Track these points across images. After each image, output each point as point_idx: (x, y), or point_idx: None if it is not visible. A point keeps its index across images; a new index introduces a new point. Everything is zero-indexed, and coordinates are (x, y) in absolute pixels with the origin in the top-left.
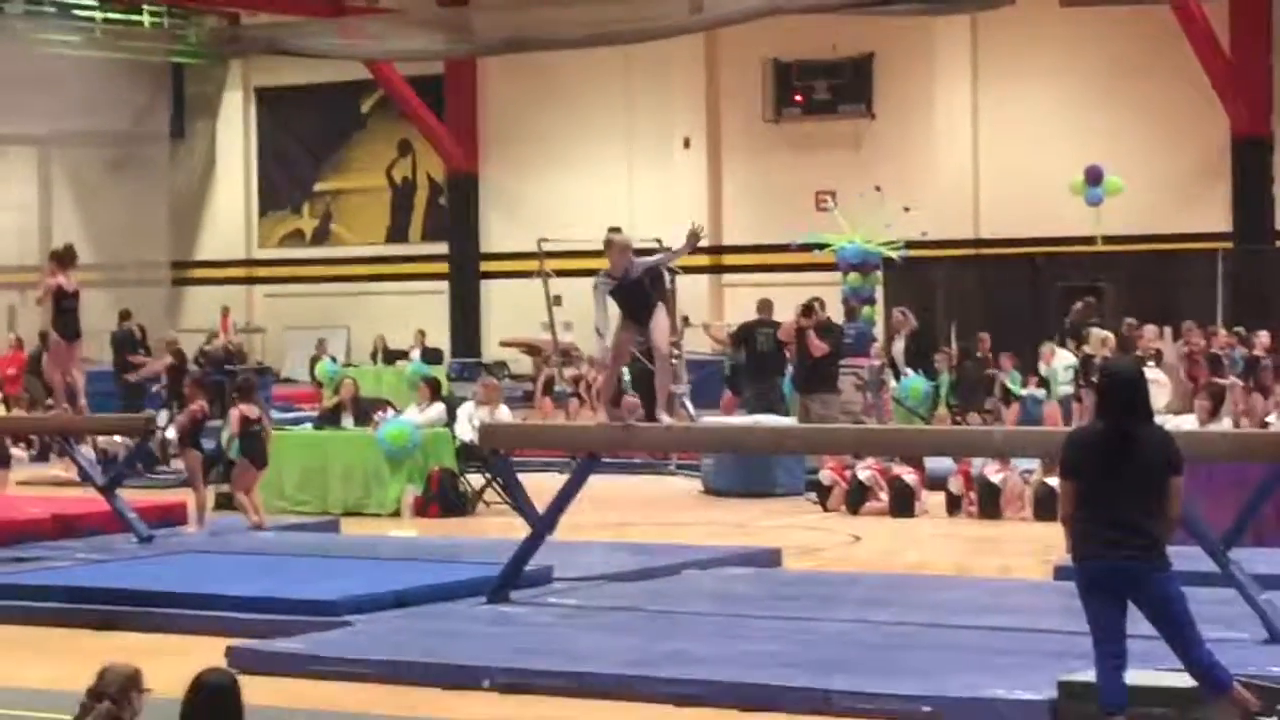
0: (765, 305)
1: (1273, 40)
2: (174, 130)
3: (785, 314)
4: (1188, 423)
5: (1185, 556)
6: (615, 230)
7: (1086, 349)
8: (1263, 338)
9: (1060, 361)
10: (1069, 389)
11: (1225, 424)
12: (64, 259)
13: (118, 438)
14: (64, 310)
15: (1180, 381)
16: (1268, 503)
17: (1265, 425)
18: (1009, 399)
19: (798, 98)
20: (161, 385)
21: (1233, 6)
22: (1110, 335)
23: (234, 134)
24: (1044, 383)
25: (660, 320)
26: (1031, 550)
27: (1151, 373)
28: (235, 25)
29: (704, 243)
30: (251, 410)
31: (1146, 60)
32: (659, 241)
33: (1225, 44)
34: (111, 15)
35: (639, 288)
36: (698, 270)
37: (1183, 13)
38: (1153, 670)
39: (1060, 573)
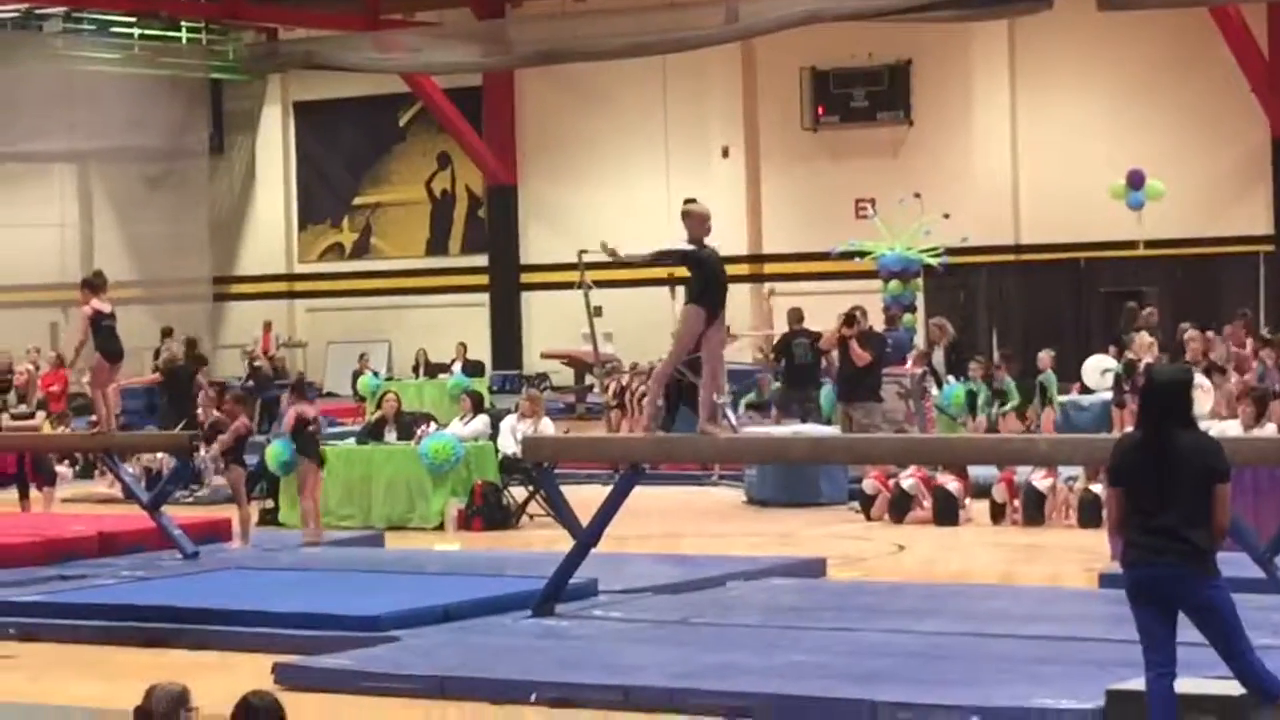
0: (797, 315)
1: None
2: (213, 146)
3: (826, 322)
4: (1232, 428)
5: (1231, 563)
6: (691, 201)
7: (1129, 354)
8: None
9: (1097, 365)
10: (1107, 395)
11: (1270, 429)
12: (95, 285)
13: (160, 455)
14: (104, 330)
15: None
16: None
17: None
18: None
19: (835, 105)
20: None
21: (1271, 8)
22: (1154, 340)
23: (273, 149)
24: (1042, 390)
25: (718, 331)
26: (1077, 558)
27: (1197, 378)
28: (273, 40)
29: (744, 251)
30: (308, 410)
31: (1185, 63)
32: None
33: (1264, 45)
34: (149, 32)
35: (719, 260)
36: (739, 279)
37: (1220, 15)
38: (1202, 678)
39: (1106, 580)
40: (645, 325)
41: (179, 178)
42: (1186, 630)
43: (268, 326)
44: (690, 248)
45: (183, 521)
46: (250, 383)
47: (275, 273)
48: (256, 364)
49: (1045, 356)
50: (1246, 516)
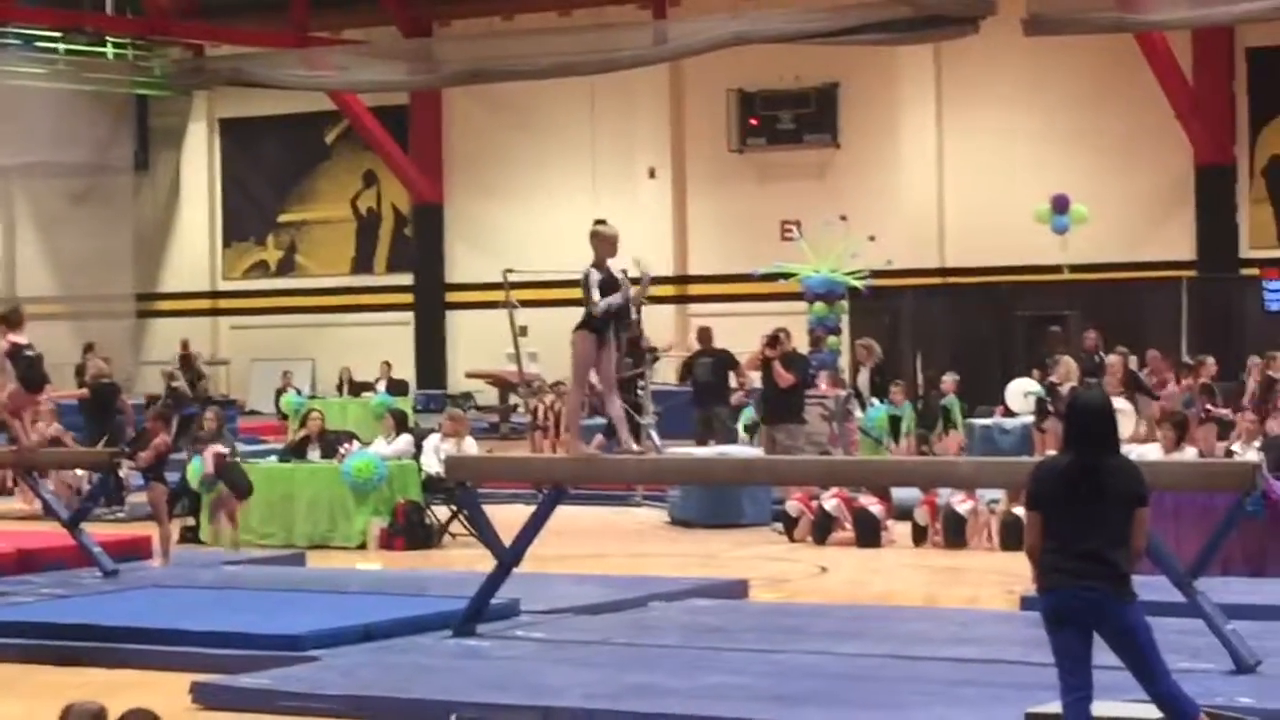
0: (705, 334)
1: (1235, 68)
2: (138, 162)
3: (750, 344)
4: (1152, 452)
5: (1151, 587)
6: (601, 222)
7: (1052, 378)
8: (1209, 365)
9: (1020, 389)
10: (1030, 418)
11: (1189, 453)
12: (11, 320)
13: (79, 471)
14: (23, 361)
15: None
16: (1233, 532)
17: (1230, 454)
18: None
19: (762, 127)
20: None
21: (1195, 35)
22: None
23: (198, 165)
24: (945, 414)
25: (609, 353)
26: (998, 581)
27: (1117, 402)
28: (199, 57)
29: (669, 272)
30: (223, 449)
31: (1110, 89)
32: (624, 272)
33: (1188, 72)
34: (75, 47)
35: (619, 285)
36: (662, 300)
37: (1146, 41)
38: (1119, 701)
39: (1026, 603)
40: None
41: (103, 194)
42: (1103, 653)
43: (185, 345)
44: (595, 272)
45: (103, 539)
46: (170, 400)
47: (199, 290)
48: (175, 384)
49: (948, 381)
50: (1167, 541)
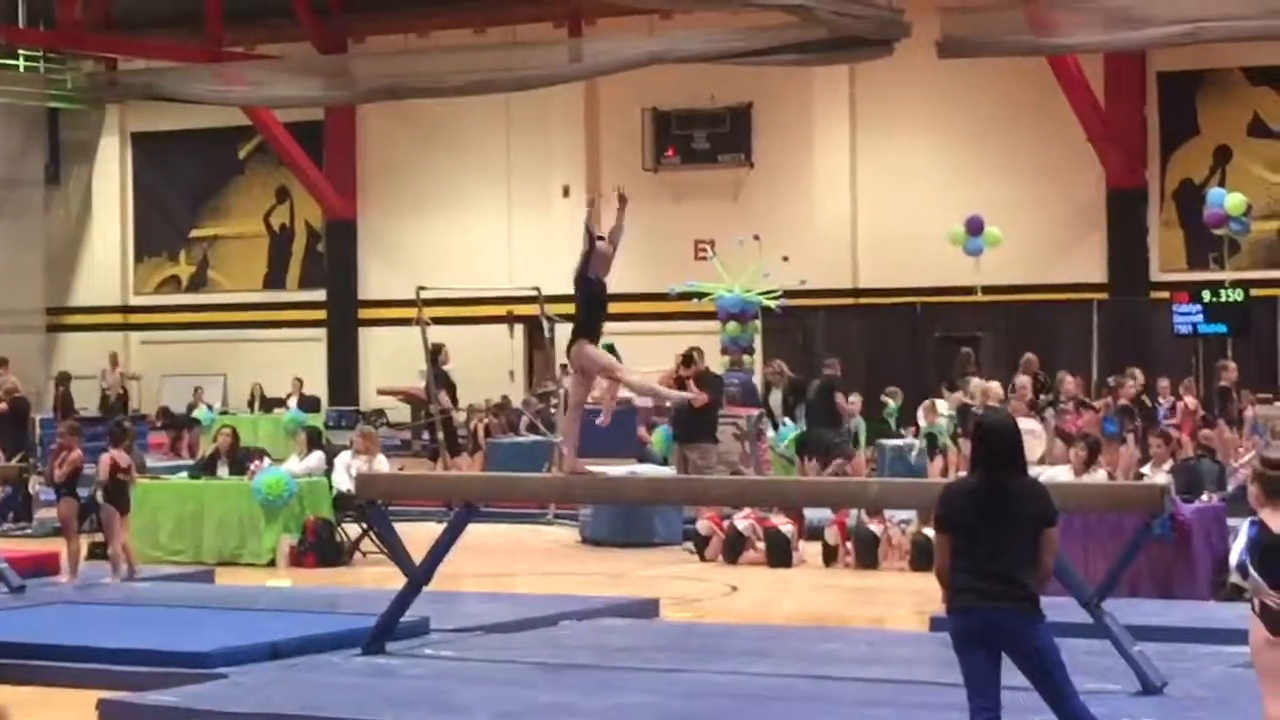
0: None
1: (1146, 93)
2: (49, 176)
3: (665, 363)
4: (1062, 474)
5: (1058, 608)
6: (600, 238)
7: (964, 399)
8: (1128, 388)
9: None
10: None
11: (1100, 475)
12: None
13: None
14: None
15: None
16: (1141, 554)
17: (1139, 476)
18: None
19: (676, 147)
20: None
21: (1107, 59)
22: (992, 385)
23: (110, 179)
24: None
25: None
26: (908, 601)
27: (1026, 423)
28: (112, 70)
29: None
30: (122, 457)
31: (1023, 112)
32: (538, 289)
33: (1100, 96)
34: None
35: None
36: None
37: (1059, 65)
38: None
39: (936, 624)
40: (484, 363)
41: (14, 207)
42: (1012, 674)
43: (114, 359)
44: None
45: (9, 554)
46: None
47: (110, 304)
48: (108, 393)
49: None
50: (1076, 562)
